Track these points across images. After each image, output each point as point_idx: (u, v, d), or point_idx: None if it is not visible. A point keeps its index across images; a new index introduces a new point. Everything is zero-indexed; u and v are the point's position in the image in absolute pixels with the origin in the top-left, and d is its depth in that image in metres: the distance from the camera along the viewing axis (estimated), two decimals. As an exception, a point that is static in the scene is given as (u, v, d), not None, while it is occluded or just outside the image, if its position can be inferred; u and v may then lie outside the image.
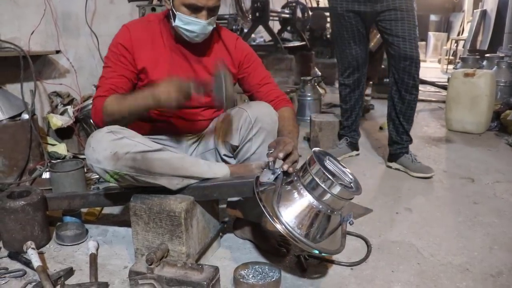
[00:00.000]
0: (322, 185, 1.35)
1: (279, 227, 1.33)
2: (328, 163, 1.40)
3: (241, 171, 1.63)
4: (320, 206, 1.37)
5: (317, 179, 1.35)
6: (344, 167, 1.46)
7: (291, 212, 1.36)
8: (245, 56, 1.80)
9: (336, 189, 1.35)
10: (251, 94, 1.85)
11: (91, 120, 1.64)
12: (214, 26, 1.67)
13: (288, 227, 1.33)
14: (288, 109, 1.78)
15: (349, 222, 1.45)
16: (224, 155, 1.76)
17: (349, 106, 2.97)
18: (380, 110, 4.64)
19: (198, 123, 1.80)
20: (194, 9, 1.56)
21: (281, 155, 1.42)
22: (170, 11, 1.62)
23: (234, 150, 1.72)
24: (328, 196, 1.36)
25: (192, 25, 1.59)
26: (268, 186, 1.43)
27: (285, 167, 1.42)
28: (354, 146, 3.09)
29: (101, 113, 1.56)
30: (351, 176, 1.42)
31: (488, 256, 1.74)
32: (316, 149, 1.45)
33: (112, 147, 1.45)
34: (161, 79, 1.56)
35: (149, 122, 1.74)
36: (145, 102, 1.50)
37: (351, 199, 1.42)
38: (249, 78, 1.81)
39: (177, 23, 1.60)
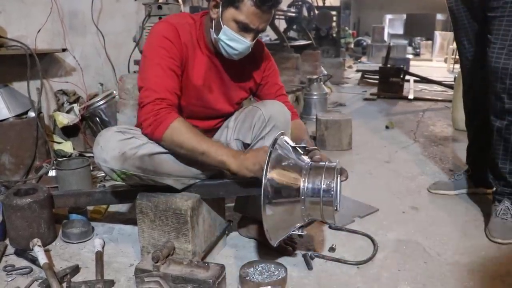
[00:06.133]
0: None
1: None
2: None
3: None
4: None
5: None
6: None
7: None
8: (268, 64, 1.77)
9: None
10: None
11: (142, 132, 1.51)
12: None
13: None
14: (301, 122, 1.78)
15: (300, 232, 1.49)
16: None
17: None
18: (385, 109, 4.62)
19: (212, 131, 1.80)
20: (244, 28, 1.48)
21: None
22: (215, 22, 1.53)
23: (245, 148, 1.71)
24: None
25: (237, 43, 1.50)
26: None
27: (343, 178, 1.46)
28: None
29: (164, 131, 1.44)
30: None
31: (496, 255, 1.73)
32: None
33: (120, 147, 1.45)
34: (195, 86, 1.59)
35: None
36: (222, 160, 1.44)
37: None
38: (266, 86, 1.79)
39: (221, 36, 1.50)
